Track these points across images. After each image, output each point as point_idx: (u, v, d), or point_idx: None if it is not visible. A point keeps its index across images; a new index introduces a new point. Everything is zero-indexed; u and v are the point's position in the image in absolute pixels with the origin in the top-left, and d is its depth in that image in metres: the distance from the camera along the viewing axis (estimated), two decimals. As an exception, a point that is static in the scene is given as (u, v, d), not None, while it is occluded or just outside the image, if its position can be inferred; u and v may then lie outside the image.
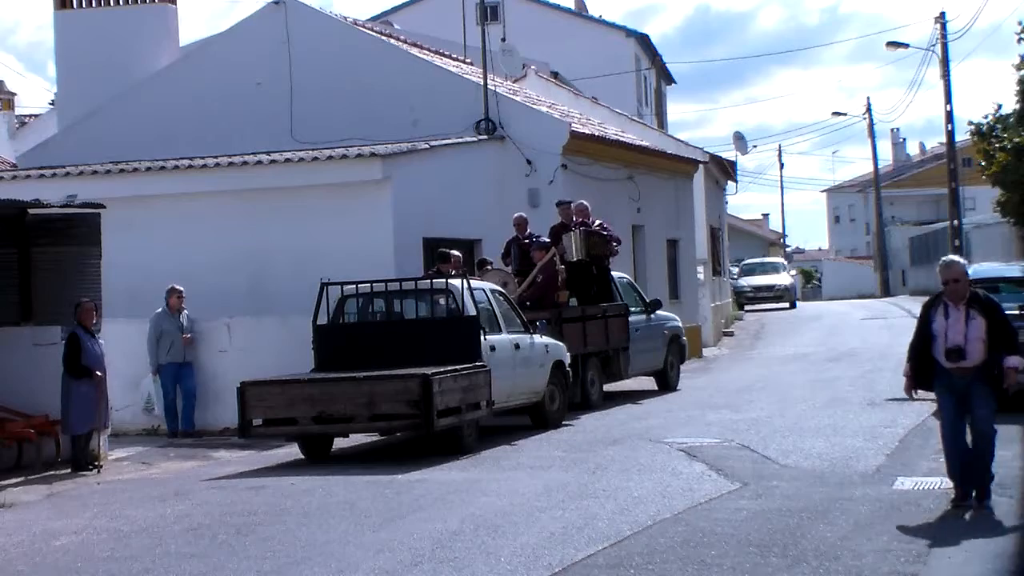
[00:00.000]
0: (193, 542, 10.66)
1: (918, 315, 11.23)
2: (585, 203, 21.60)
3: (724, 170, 42.37)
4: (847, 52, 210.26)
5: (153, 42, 26.72)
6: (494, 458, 15.01)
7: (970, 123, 34.23)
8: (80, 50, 26.59)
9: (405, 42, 28.25)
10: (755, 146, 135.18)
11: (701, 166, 34.90)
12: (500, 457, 15.09)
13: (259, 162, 21.53)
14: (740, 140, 49.08)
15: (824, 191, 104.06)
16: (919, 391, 11.36)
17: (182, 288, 19.10)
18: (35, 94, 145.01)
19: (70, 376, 15.81)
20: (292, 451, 16.30)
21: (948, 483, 11.95)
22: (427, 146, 22.23)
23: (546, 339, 18.39)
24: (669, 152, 33.20)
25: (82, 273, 16.88)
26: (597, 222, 21.60)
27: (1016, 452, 13.65)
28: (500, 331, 17.31)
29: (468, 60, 29.30)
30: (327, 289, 16.88)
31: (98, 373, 15.93)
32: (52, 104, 40.30)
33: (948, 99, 42.48)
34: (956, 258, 11.14)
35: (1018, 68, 30.65)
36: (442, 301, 17.10)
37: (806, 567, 8.91)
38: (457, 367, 15.64)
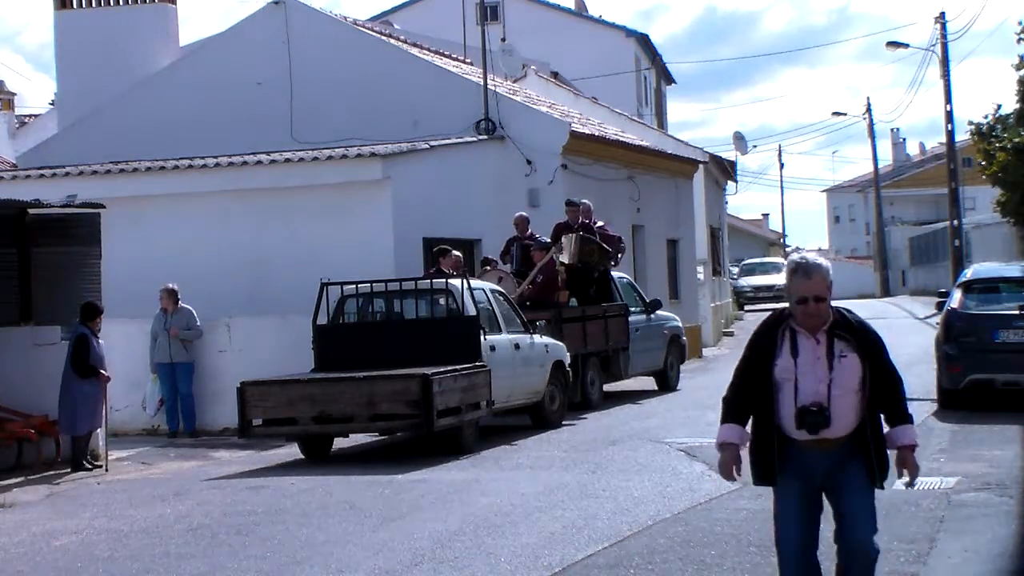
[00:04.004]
0: (193, 542, 10.66)
1: (746, 345, 6.70)
2: (588, 203, 21.58)
3: (724, 170, 42.38)
4: (853, 52, 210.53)
5: (153, 42, 26.72)
6: (494, 458, 15.01)
7: (970, 123, 34.41)
8: (80, 50, 26.58)
9: (405, 42, 28.24)
10: (755, 146, 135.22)
11: (701, 166, 34.91)
12: (500, 457, 15.09)
13: (259, 162, 21.53)
14: (740, 140, 49.19)
15: (824, 191, 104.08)
16: (757, 478, 6.59)
17: (171, 287, 18.93)
18: (42, 94, 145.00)
19: (77, 375, 15.77)
20: (292, 451, 16.29)
21: (948, 483, 11.95)
22: (427, 146, 22.22)
23: (546, 339, 18.38)
24: (669, 152, 33.17)
25: (82, 273, 16.86)
26: (599, 223, 21.57)
27: (1016, 452, 13.64)
28: (500, 331, 17.30)
29: (468, 60, 29.29)
30: (327, 289, 16.88)
31: (104, 373, 15.92)
32: (52, 104, 40.30)
33: (948, 99, 42.48)
34: (819, 261, 6.41)
35: (1018, 68, 30.71)
36: (442, 301, 17.09)
37: (806, 567, 8.90)
38: (457, 367, 15.63)
